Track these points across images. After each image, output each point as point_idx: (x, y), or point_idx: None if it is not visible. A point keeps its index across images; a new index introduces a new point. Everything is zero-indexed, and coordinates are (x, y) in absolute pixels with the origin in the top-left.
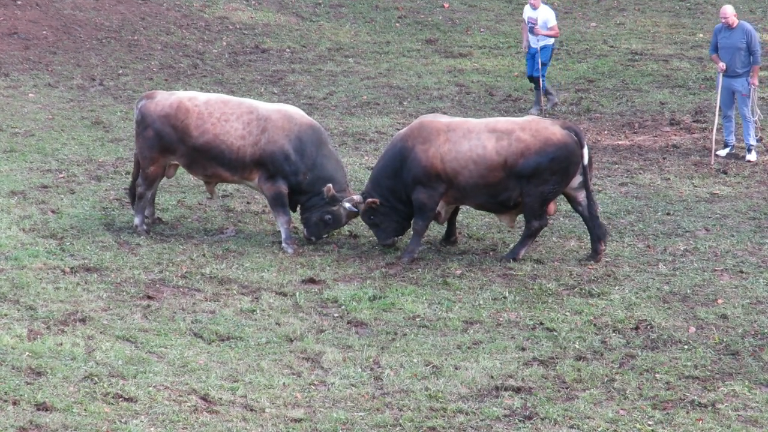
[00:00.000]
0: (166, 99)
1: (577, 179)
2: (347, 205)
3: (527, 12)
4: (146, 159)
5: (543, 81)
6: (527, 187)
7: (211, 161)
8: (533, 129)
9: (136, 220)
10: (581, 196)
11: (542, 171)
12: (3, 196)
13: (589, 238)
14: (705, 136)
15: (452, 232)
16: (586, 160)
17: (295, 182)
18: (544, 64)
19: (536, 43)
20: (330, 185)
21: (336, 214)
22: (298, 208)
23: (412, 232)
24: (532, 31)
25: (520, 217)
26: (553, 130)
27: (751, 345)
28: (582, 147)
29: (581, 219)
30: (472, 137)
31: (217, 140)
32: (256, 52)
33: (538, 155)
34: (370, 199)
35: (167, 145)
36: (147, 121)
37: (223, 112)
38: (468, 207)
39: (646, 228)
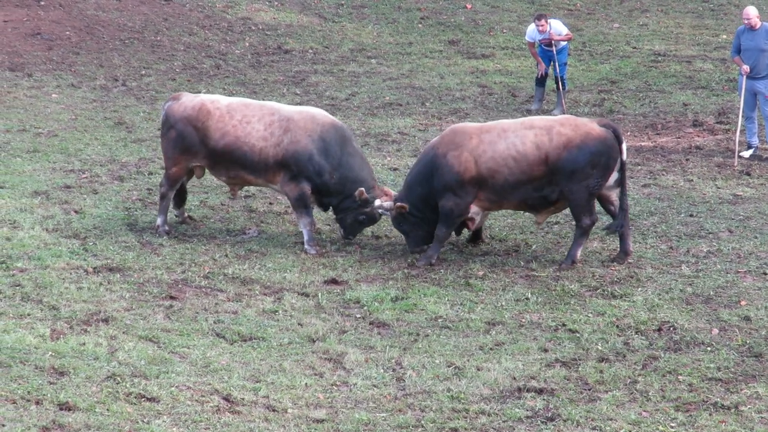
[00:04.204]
0: (190, 101)
1: (613, 176)
2: (378, 203)
3: (535, 35)
4: (169, 160)
5: (564, 81)
6: (570, 184)
7: (234, 164)
8: (572, 124)
9: (159, 220)
10: (613, 194)
11: (584, 165)
12: (26, 196)
13: (613, 239)
14: (728, 138)
15: (479, 235)
16: (624, 156)
17: (320, 183)
18: (564, 64)
19: (552, 48)
20: (362, 189)
21: (370, 215)
22: (328, 209)
23: (434, 238)
24: (548, 46)
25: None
26: (591, 125)
27: None
28: (621, 143)
29: (610, 219)
30: (509, 135)
31: (238, 142)
32: (278, 53)
33: (579, 149)
34: (399, 204)
35: (189, 147)
36: (170, 121)
37: (244, 114)
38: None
39: (669, 229)
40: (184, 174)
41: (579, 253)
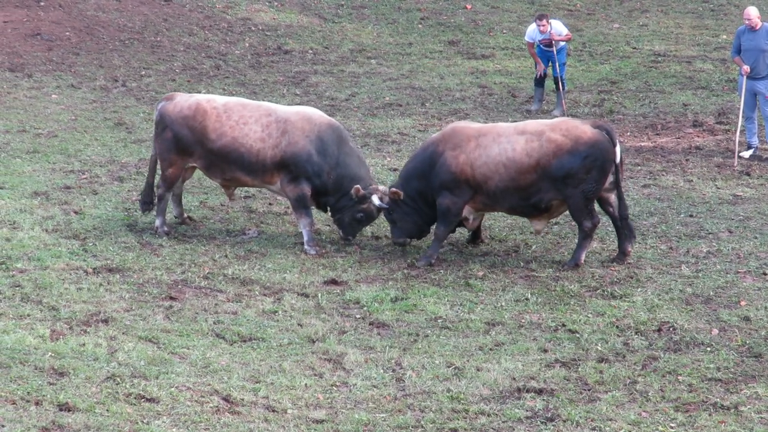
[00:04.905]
0: (185, 101)
1: (609, 179)
2: (376, 201)
3: (535, 35)
4: (165, 161)
5: (563, 81)
6: (566, 190)
7: (231, 165)
8: (564, 129)
9: (157, 222)
10: (612, 196)
11: (576, 171)
12: (26, 196)
13: (613, 239)
14: (728, 138)
15: (478, 235)
16: (618, 159)
17: (319, 183)
18: (563, 64)
19: (552, 49)
20: (358, 186)
21: (367, 211)
22: (327, 210)
23: (433, 237)
24: (547, 46)
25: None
26: (583, 128)
27: None
28: (614, 145)
29: (609, 220)
30: (502, 141)
31: (235, 143)
32: (278, 53)
33: (570, 155)
34: (393, 189)
35: (185, 147)
36: (165, 122)
37: (241, 115)
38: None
39: (669, 230)
40: (180, 174)
41: (583, 256)
